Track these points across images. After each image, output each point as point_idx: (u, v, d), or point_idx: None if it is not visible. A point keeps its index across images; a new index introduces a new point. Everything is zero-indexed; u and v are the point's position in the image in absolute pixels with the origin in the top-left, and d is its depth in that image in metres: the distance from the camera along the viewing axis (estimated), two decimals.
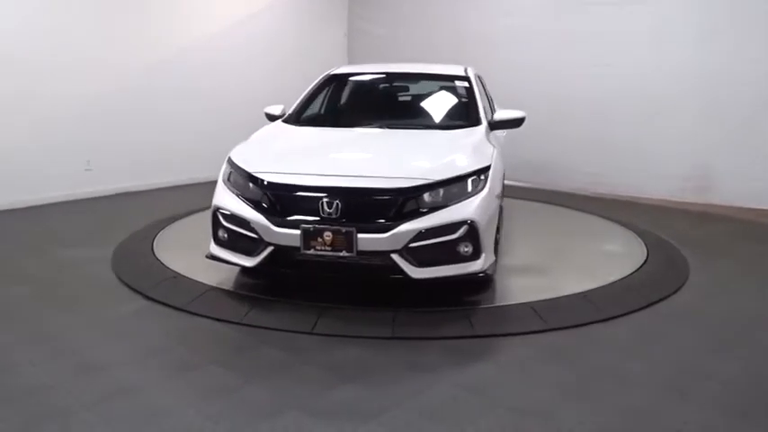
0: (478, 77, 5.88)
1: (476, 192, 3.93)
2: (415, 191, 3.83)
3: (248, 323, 3.76)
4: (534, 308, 3.99)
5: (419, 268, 3.79)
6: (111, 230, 5.72)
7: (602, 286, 4.40)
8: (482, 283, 4.24)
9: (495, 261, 4.24)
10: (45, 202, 6.87)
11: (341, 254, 3.78)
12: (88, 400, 2.89)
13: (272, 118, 5.35)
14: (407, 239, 3.73)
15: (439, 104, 5.50)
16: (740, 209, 6.78)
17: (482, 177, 4.01)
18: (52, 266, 4.88)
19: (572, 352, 3.47)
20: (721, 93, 6.89)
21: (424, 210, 3.81)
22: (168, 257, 4.85)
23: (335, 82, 5.83)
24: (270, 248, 3.91)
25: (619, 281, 4.54)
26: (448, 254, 3.84)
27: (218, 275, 4.46)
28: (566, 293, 4.25)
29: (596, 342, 3.60)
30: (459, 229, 3.78)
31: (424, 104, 5.56)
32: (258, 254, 3.96)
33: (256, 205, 3.99)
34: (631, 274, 4.70)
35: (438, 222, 3.77)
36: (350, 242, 3.75)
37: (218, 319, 3.82)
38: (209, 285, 4.33)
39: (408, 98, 5.75)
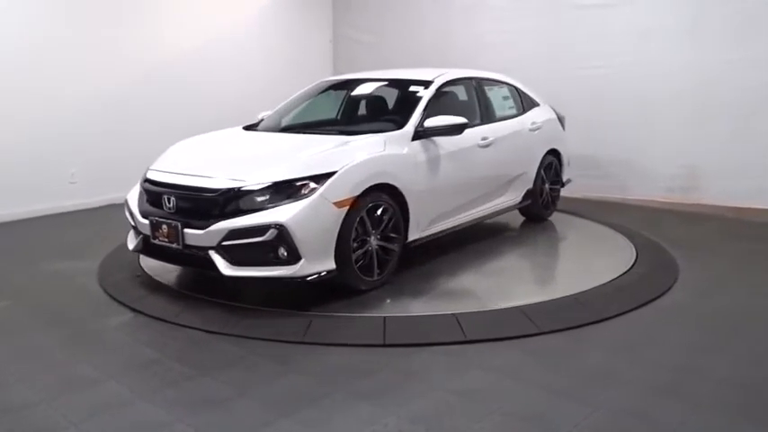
0: (476, 82, 5.68)
1: (301, 197, 3.91)
2: (229, 192, 3.97)
3: (238, 334, 3.72)
4: (525, 311, 3.97)
5: (233, 266, 3.92)
6: (97, 243, 5.66)
7: (593, 288, 4.39)
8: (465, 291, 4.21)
9: (344, 270, 4.10)
10: (29, 216, 6.79)
11: (173, 245, 4.11)
12: (76, 416, 2.84)
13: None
14: (220, 237, 3.89)
15: (377, 110, 5.52)
16: (728, 208, 6.81)
17: (318, 183, 3.96)
18: (37, 280, 4.82)
19: (565, 355, 3.46)
20: (709, 93, 6.91)
21: (244, 210, 3.92)
22: (155, 269, 4.80)
23: (312, 91, 5.92)
24: (141, 236, 4.41)
25: (609, 282, 4.53)
26: (261, 255, 3.91)
27: (207, 287, 4.42)
28: (556, 296, 4.25)
29: (589, 344, 3.59)
30: (266, 231, 3.82)
31: (364, 110, 5.68)
32: (135, 240, 4.51)
33: (140, 198, 4.50)
34: (621, 275, 4.69)
35: (247, 223, 3.86)
36: (177, 235, 4.05)
37: (207, 331, 3.77)
38: (197, 297, 4.29)
39: (356, 104, 5.82)
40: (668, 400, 2.95)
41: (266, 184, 3.94)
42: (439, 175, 4.83)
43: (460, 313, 3.94)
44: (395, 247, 4.48)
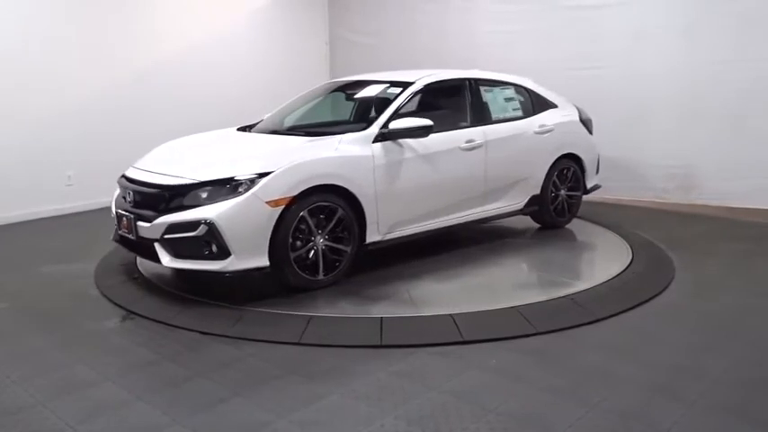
0: (471, 83, 5.50)
1: (233, 195, 4.05)
2: (172, 189, 4.22)
3: (235, 335, 3.72)
4: (521, 312, 3.98)
5: (174, 258, 4.17)
6: (94, 245, 5.65)
7: (589, 288, 4.41)
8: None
9: (278, 267, 4.19)
10: (26, 219, 6.79)
11: (130, 236, 4.38)
12: (73, 418, 2.84)
13: None
14: (162, 231, 4.12)
15: (359, 112, 5.64)
16: (723, 208, 6.83)
17: (252, 182, 4.07)
18: (34, 282, 4.82)
19: (561, 355, 3.47)
20: (705, 94, 6.93)
21: (187, 207, 4.11)
22: (152, 271, 4.81)
23: (309, 95, 5.98)
24: (115, 226, 4.65)
25: (605, 282, 4.54)
26: (196, 249, 4.11)
27: (203, 288, 4.43)
28: (553, 297, 4.26)
29: (585, 344, 3.60)
30: (198, 227, 4.00)
31: (348, 112, 5.83)
32: (114, 231, 4.71)
33: (119, 193, 4.76)
34: (617, 275, 4.70)
35: (182, 219, 4.07)
36: (131, 227, 4.33)
37: (204, 333, 3.78)
38: (194, 298, 4.30)
39: (343, 107, 5.93)
40: (664, 399, 2.96)
41: (201, 182, 4.14)
42: (403, 178, 4.71)
43: (457, 314, 3.95)
44: (346, 248, 4.47)
